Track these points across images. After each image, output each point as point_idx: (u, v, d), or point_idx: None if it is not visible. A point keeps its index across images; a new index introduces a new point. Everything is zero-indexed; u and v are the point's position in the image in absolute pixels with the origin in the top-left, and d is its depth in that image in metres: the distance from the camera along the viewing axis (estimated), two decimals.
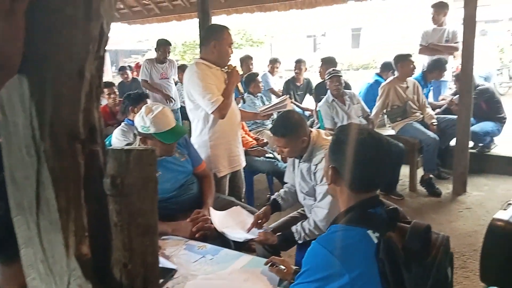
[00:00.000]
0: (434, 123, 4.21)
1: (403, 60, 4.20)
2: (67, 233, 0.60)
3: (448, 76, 5.13)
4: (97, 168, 0.65)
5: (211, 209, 2.19)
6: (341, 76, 4.07)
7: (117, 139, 3.00)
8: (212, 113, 2.49)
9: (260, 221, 2.12)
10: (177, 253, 1.84)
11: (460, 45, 4.94)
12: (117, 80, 7.52)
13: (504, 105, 4.59)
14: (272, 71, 5.85)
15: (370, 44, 21.99)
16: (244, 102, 2.99)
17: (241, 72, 5.36)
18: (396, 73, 4.28)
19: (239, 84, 2.80)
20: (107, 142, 3.13)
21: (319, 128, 4.26)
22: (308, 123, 5.05)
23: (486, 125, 4.37)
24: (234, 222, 2.16)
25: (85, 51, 0.59)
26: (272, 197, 2.35)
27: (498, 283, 2.27)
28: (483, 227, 2.29)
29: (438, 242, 1.13)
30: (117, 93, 4.57)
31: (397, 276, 1.04)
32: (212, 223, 2.07)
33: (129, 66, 8.20)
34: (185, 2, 6.43)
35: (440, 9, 4.93)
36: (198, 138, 2.64)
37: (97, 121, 0.65)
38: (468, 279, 2.65)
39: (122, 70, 7.03)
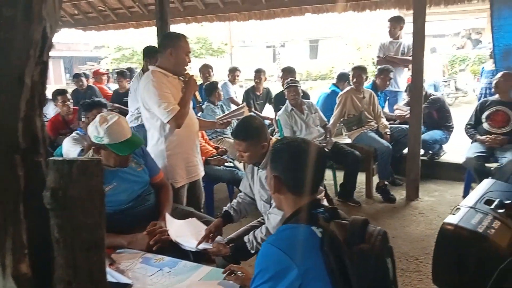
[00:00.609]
0: (387, 133, 4.38)
1: (358, 71, 4.36)
2: (4, 251, 0.55)
3: (403, 87, 5.38)
4: (39, 181, 0.60)
5: (168, 217, 2.13)
6: (299, 86, 4.14)
7: (68, 149, 2.86)
8: (167, 122, 2.44)
9: (211, 234, 2.07)
10: (133, 267, 1.77)
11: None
12: (71, 87, 7.23)
13: (451, 114, 4.85)
14: (232, 80, 5.85)
15: (327, 55, 22.64)
16: (202, 111, 2.95)
17: (200, 81, 5.32)
18: (352, 84, 4.42)
19: (197, 93, 2.76)
20: (58, 153, 2.99)
21: (279, 136, 4.31)
22: (268, 132, 5.09)
23: (435, 134, 4.60)
24: (189, 232, 2.11)
25: (25, 55, 0.56)
26: (224, 208, 2.32)
27: (450, 284, 2.37)
28: (434, 231, 2.40)
29: (375, 233, 1.22)
30: (71, 101, 4.39)
31: (341, 266, 1.13)
32: (169, 235, 2.02)
33: (84, 73, 7.90)
34: (143, 9, 6.33)
35: (396, 23, 5.16)
36: (154, 147, 2.57)
37: (40, 130, 0.61)
38: (421, 282, 2.74)
39: (76, 77, 6.75)
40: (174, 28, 5.12)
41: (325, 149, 4.00)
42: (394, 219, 3.72)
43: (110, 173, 2.08)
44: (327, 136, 4.19)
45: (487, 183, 2.87)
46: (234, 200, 2.39)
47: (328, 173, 4.32)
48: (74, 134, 2.98)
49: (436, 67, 9.41)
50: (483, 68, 5.48)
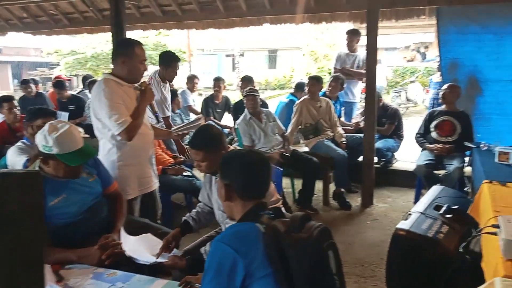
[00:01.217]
0: (343, 141, 4.50)
1: (312, 81, 4.48)
2: None
3: (358, 98, 5.58)
4: None
5: (122, 232, 2.05)
6: (257, 95, 4.17)
7: (12, 159, 2.69)
8: (118, 134, 2.33)
9: (170, 245, 2.02)
10: (83, 283, 1.68)
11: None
12: (20, 94, 6.84)
13: (402, 123, 5.08)
14: (191, 88, 5.79)
15: (286, 66, 23.06)
16: (157, 121, 2.86)
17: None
18: (308, 93, 4.51)
19: (154, 103, 2.68)
20: (2, 163, 2.80)
21: (238, 145, 4.30)
22: (227, 140, 5.08)
23: (387, 142, 4.80)
24: (144, 247, 2.04)
25: None
26: (183, 218, 2.27)
27: None
28: (388, 236, 2.46)
29: (315, 226, 1.34)
30: (18, 108, 4.15)
31: (281, 255, 1.25)
32: (123, 249, 1.93)
33: (33, 79, 7.51)
34: (97, 14, 6.13)
35: (353, 35, 5.35)
36: (106, 158, 2.44)
37: None
38: (376, 287, 2.82)
39: (25, 83, 6.42)
40: (130, 34, 5.00)
41: (285, 154, 4.08)
42: (350, 226, 3.81)
43: (60, 184, 1.98)
44: (285, 145, 4.24)
45: (436, 189, 3.01)
46: (194, 210, 2.35)
47: (287, 181, 4.36)
48: (19, 143, 2.80)
49: (380, 77, 9.89)
50: (431, 80, 5.81)
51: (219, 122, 5.60)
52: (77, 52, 18.85)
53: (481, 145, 3.71)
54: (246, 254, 1.26)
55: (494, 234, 1.75)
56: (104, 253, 1.85)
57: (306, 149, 4.54)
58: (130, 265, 1.87)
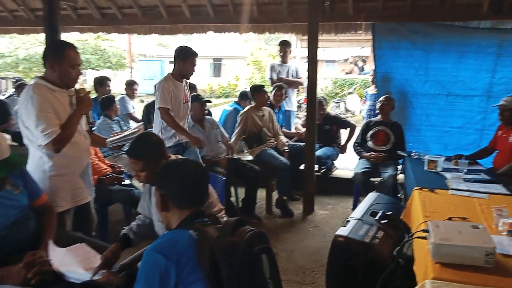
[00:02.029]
0: (285, 150, 4.58)
1: (259, 91, 4.52)
2: None
3: (295, 106, 5.72)
4: None
5: (50, 244, 1.90)
6: (205, 102, 4.12)
7: None
8: (45, 146, 2.16)
9: (108, 262, 1.89)
10: None
11: (303, 80, 5.60)
12: None
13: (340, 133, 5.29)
14: (130, 95, 5.58)
15: (231, 74, 23.15)
16: (91, 131, 2.67)
17: (94, 95, 4.97)
18: (253, 102, 4.55)
19: (89, 112, 2.50)
20: None
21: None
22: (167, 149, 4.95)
23: (327, 150, 4.96)
24: (76, 260, 1.90)
25: None
26: (122, 231, 2.16)
27: None
28: (328, 243, 2.53)
29: (247, 229, 1.37)
30: None
31: (212, 260, 1.27)
32: (51, 265, 1.79)
33: None
34: (29, 14, 5.75)
35: (286, 46, 5.49)
36: (36, 168, 2.26)
37: None
38: None
39: None
40: (66, 36, 4.73)
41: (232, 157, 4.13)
42: (292, 233, 3.87)
43: None
44: (229, 153, 4.23)
45: (372, 196, 3.15)
46: (133, 222, 2.24)
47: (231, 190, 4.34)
48: None
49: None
50: (366, 92, 6.11)
51: None
52: (5, 55, 17.50)
53: (412, 154, 3.96)
54: (178, 260, 1.28)
55: (424, 238, 1.85)
56: (30, 272, 1.70)
57: (250, 157, 4.56)
58: (59, 283, 1.73)
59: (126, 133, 2.54)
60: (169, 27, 5.70)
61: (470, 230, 1.76)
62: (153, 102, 5.48)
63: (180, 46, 3.66)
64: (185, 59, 3.58)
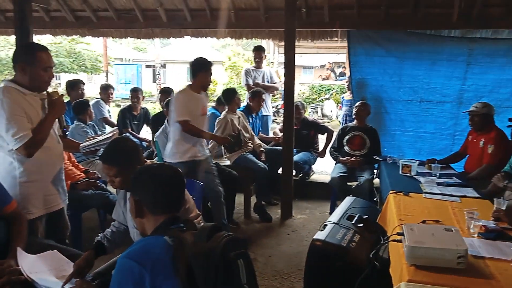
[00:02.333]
0: (262, 150, 4.59)
1: (231, 95, 4.52)
2: None
3: (271, 111, 5.75)
4: None
5: (20, 251, 1.83)
6: None
7: None
8: (16, 150, 2.09)
9: (81, 270, 1.84)
10: None
11: (279, 85, 5.64)
12: None
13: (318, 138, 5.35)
14: (105, 99, 5.47)
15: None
16: (65, 136, 2.60)
17: (67, 99, 4.85)
18: (227, 107, 4.54)
19: (63, 116, 2.43)
20: None
21: (157, 159, 4.15)
22: (145, 154, 4.88)
23: (304, 155, 5.00)
24: (48, 268, 1.83)
25: None
26: (96, 239, 2.10)
27: None
28: (306, 247, 2.54)
29: (223, 235, 1.36)
30: None
31: (187, 266, 1.26)
32: (21, 274, 1.72)
33: None
34: None
35: (261, 52, 5.52)
36: (6, 174, 2.18)
37: None
38: None
39: None
40: (38, 39, 4.60)
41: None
42: (270, 238, 3.87)
43: None
44: None
45: (348, 200, 3.19)
46: (108, 229, 2.19)
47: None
48: None
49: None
50: (342, 97, 6.20)
51: (137, 135, 5.37)
52: None
53: (387, 159, 4.04)
54: (152, 267, 1.26)
55: (399, 241, 1.89)
56: None
57: (228, 162, 4.54)
58: None
59: (100, 138, 2.49)
60: (146, 31, 5.64)
61: (443, 232, 1.80)
62: (129, 106, 5.43)
63: (200, 58, 3.65)
64: (207, 70, 3.57)
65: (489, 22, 4.37)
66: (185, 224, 1.44)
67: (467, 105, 4.28)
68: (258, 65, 5.53)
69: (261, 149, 4.61)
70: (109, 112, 5.51)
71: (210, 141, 4.48)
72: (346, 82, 6.21)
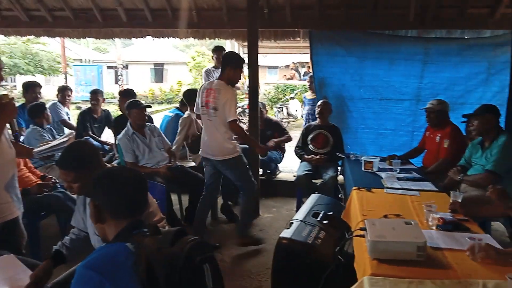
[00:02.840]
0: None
1: (193, 95, 4.44)
2: None
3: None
4: None
5: None
6: (145, 107, 3.98)
7: None
8: None
9: (38, 280, 1.76)
10: None
11: (239, 85, 5.63)
12: None
13: None
14: (63, 101, 5.26)
15: (174, 79, 22.76)
16: (17, 141, 2.47)
17: (22, 101, 4.63)
18: (189, 107, 4.47)
19: (14, 120, 2.31)
20: None
21: (119, 162, 4.03)
22: (107, 157, 4.74)
23: (271, 154, 5.01)
24: (2, 276, 1.74)
25: None
26: (54, 247, 2.01)
27: None
28: (273, 246, 2.55)
29: (188, 240, 1.33)
30: None
31: (150, 273, 1.21)
32: None
33: None
34: None
35: (219, 51, 5.49)
36: None
37: None
38: None
39: None
40: None
41: (174, 166, 4.00)
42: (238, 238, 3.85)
43: None
44: (172, 160, 4.12)
45: (314, 197, 3.23)
46: (67, 237, 2.10)
47: (174, 198, 4.23)
48: None
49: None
50: (304, 96, 6.28)
51: (98, 138, 5.20)
52: None
53: (350, 156, 4.14)
54: (113, 276, 1.21)
55: (362, 236, 1.93)
56: None
57: (193, 164, 4.49)
58: None
59: (54, 142, 2.38)
60: (105, 31, 5.48)
61: (403, 226, 1.86)
62: (89, 109, 5.24)
63: (231, 53, 3.56)
64: (237, 66, 3.46)
65: (443, 23, 4.58)
66: (148, 228, 1.39)
67: (424, 102, 4.45)
68: (218, 65, 5.51)
69: None
70: (68, 114, 5.31)
71: (174, 142, 4.41)
72: (308, 81, 6.30)
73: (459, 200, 2.39)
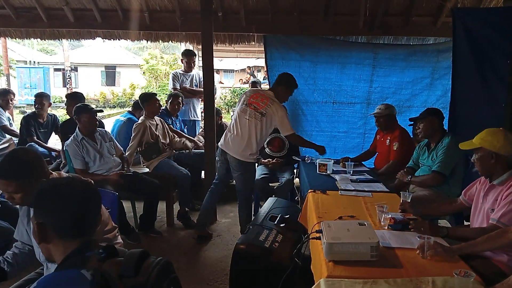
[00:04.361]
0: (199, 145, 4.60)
1: (149, 99, 4.33)
2: None
3: (200, 115, 5.67)
4: None
5: None
6: (96, 112, 3.81)
7: None
8: None
9: None
10: None
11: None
12: None
13: None
14: (4, 105, 4.92)
15: (126, 83, 22.09)
16: None
17: None
18: (145, 112, 4.35)
19: None
20: None
21: (67, 170, 3.83)
22: (54, 165, 4.49)
23: None
24: None
25: None
26: None
27: None
28: (231, 251, 2.52)
29: (153, 264, 1.18)
30: None
31: None
32: None
33: None
34: None
35: (188, 56, 5.42)
36: None
37: None
38: None
39: None
40: None
41: (127, 173, 3.88)
42: (195, 245, 3.78)
43: None
44: (125, 166, 3.98)
45: (271, 201, 3.25)
46: (9, 252, 1.95)
47: (128, 205, 4.09)
48: None
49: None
50: None
51: (44, 144, 4.91)
52: None
53: (306, 158, 4.20)
54: None
55: (318, 238, 1.95)
56: None
57: (147, 170, 4.35)
58: None
59: None
60: (50, 31, 5.19)
61: (357, 227, 1.90)
62: (34, 113, 4.93)
63: (290, 76, 3.75)
64: (290, 88, 3.73)
65: (390, 30, 4.79)
66: (104, 249, 1.17)
67: (374, 105, 4.64)
68: (187, 69, 5.42)
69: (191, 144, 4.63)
70: (9, 119, 4.98)
71: (127, 148, 4.26)
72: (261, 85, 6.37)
73: (409, 200, 2.50)
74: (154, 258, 1.21)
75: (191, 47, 6.63)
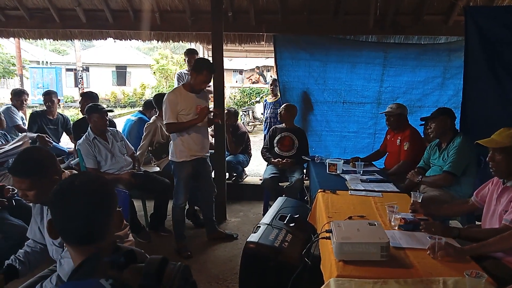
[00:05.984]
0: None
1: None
2: None
3: None
4: None
5: None
6: (106, 112, 3.86)
7: None
8: None
9: None
10: None
11: (211, 88, 5.58)
12: None
13: (250, 141, 5.39)
14: (18, 105, 4.99)
15: (137, 83, 22.26)
16: None
17: None
18: (158, 112, 4.39)
19: None
20: None
21: (76, 163, 3.88)
22: (66, 164, 4.54)
23: (237, 156, 5.02)
24: None
25: None
26: (6, 262, 1.90)
27: None
28: (240, 250, 2.53)
29: (174, 272, 1.11)
30: None
31: None
32: None
33: None
34: None
35: (191, 55, 5.43)
36: None
37: None
38: None
39: None
40: None
41: (138, 172, 3.92)
42: (204, 244, 3.81)
43: None
44: (136, 166, 4.02)
45: (280, 200, 3.25)
46: (21, 250, 1.99)
47: (138, 204, 4.13)
48: None
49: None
50: (265, 100, 6.31)
51: (51, 140, 4.91)
52: None
53: (315, 158, 4.19)
54: None
55: (328, 238, 1.95)
56: None
57: (157, 169, 4.39)
58: None
59: (6, 147, 2.25)
60: (63, 31, 5.27)
61: (367, 227, 1.89)
62: (42, 110, 4.97)
63: (200, 59, 3.67)
64: (198, 72, 3.49)
65: (400, 29, 4.75)
66: (122, 254, 1.08)
67: (385, 105, 4.60)
68: (190, 68, 5.43)
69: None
70: (23, 119, 5.05)
71: (139, 148, 4.30)
72: (270, 85, 6.34)
73: (419, 201, 2.48)
74: (174, 264, 1.14)
75: (201, 47, 6.66)
